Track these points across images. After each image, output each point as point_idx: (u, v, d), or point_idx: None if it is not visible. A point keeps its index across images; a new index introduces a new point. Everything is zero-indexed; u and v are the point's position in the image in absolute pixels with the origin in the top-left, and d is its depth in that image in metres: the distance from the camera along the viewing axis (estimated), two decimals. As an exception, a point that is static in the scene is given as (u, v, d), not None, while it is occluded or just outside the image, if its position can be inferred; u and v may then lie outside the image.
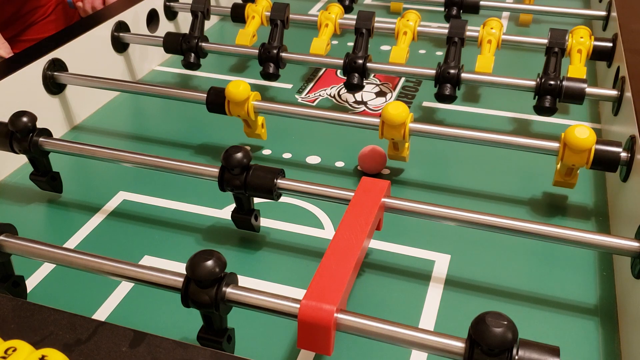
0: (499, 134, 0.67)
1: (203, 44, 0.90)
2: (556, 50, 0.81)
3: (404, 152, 0.71)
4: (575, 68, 0.83)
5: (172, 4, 1.05)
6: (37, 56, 0.79)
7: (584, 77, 0.82)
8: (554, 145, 0.64)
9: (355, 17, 0.88)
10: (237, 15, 1.02)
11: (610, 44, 0.85)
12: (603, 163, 0.62)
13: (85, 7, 1.16)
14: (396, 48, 0.90)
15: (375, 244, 0.63)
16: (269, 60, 0.86)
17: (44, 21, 1.24)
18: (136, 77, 0.98)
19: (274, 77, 0.87)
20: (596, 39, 0.85)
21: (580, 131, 0.61)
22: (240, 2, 1.06)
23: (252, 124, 0.75)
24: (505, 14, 1.18)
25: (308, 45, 0.94)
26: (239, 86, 0.71)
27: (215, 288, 0.45)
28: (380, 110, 0.88)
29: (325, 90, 0.95)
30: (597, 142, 0.62)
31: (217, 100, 0.74)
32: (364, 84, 0.85)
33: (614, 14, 0.95)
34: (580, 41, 0.84)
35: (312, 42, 0.93)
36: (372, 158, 0.73)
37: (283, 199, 0.66)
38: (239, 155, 0.58)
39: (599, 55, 0.86)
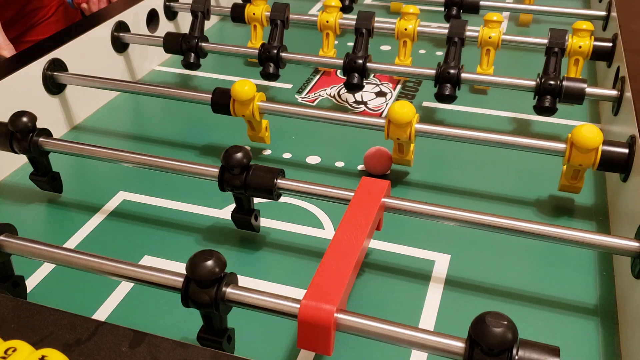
0: (499, 134, 0.67)
1: (203, 44, 0.90)
2: (556, 51, 0.81)
3: (409, 155, 0.70)
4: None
5: (172, 4, 1.05)
6: (37, 56, 0.79)
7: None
8: (560, 146, 0.63)
9: (355, 17, 0.88)
10: (237, 15, 1.02)
11: (610, 44, 0.86)
12: (610, 163, 0.62)
13: (91, 8, 1.16)
14: (398, 61, 0.92)
15: (375, 244, 0.63)
16: (269, 60, 0.86)
17: (45, 22, 1.24)
18: (136, 77, 0.98)
19: (274, 77, 0.87)
20: (596, 39, 0.85)
21: (588, 129, 0.61)
22: (240, 1, 1.06)
23: (257, 125, 0.75)
24: (505, 14, 1.18)
25: (308, 45, 0.94)
26: (245, 85, 0.70)
27: (215, 288, 0.45)
28: (380, 110, 0.89)
29: (325, 90, 0.95)
30: (604, 143, 0.62)
31: (222, 101, 0.73)
32: (364, 84, 0.85)
33: (614, 14, 0.95)
34: (579, 50, 0.84)
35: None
36: (379, 159, 0.72)
37: (283, 199, 0.66)
38: (239, 155, 0.58)
39: (598, 56, 0.86)
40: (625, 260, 0.55)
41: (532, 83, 0.77)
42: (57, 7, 1.26)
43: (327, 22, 0.95)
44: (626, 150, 0.62)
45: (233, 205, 0.61)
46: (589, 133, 0.60)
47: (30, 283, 0.58)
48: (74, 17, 1.33)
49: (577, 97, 0.76)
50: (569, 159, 0.62)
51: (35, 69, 0.79)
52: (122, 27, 0.94)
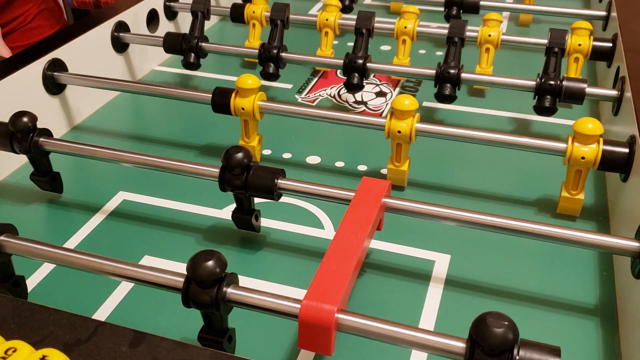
0: (499, 133, 0.67)
1: (203, 44, 0.90)
2: (556, 51, 0.81)
3: (405, 165, 0.70)
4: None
5: (172, 4, 1.05)
6: (37, 56, 0.79)
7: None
8: (561, 145, 0.63)
9: (355, 17, 0.88)
10: (237, 15, 1.02)
11: (610, 44, 0.86)
12: (610, 162, 0.62)
13: None
14: (397, 60, 0.92)
15: (375, 244, 0.63)
16: (269, 60, 0.86)
17: (23, 29, 1.23)
18: (136, 77, 0.98)
19: (274, 77, 0.87)
20: (595, 39, 0.85)
21: (589, 119, 0.62)
22: (240, 2, 1.06)
23: (252, 130, 0.75)
24: (505, 14, 1.18)
25: (308, 45, 0.94)
26: (249, 79, 0.72)
27: (216, 288, 0.45)
28: (380, 110, 0.89)
29: (325, 90, 0.95)
30: (604, 143, 0.62)
31: (222, 100, 0.73)
32: (364, 84, 0.85)
33: (614, 14, 0.95)
34: (578, 47, 0.84)
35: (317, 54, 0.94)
36: None
37: (283, 199, 0.66)
38: (240, 155, 0.58)
39: (598, 55, 0.86)
40: (625, 260, 0.55)
41: (532, 83, 0.77)
42: (36, 14, 1.24)
43: (327, 20, 0.95)
44: (626, 150, 0.62)
45: (233, 205, 0.61)
46: (590, 122, 0.62)
47: (31, 283, 0.58)
48: (59, 19, 1.31)
49: (577, 97, 0.76)
50: (571, 154, 0.62)
51: (35, 69, 0.79)
52: (122, 27, 0.94)
